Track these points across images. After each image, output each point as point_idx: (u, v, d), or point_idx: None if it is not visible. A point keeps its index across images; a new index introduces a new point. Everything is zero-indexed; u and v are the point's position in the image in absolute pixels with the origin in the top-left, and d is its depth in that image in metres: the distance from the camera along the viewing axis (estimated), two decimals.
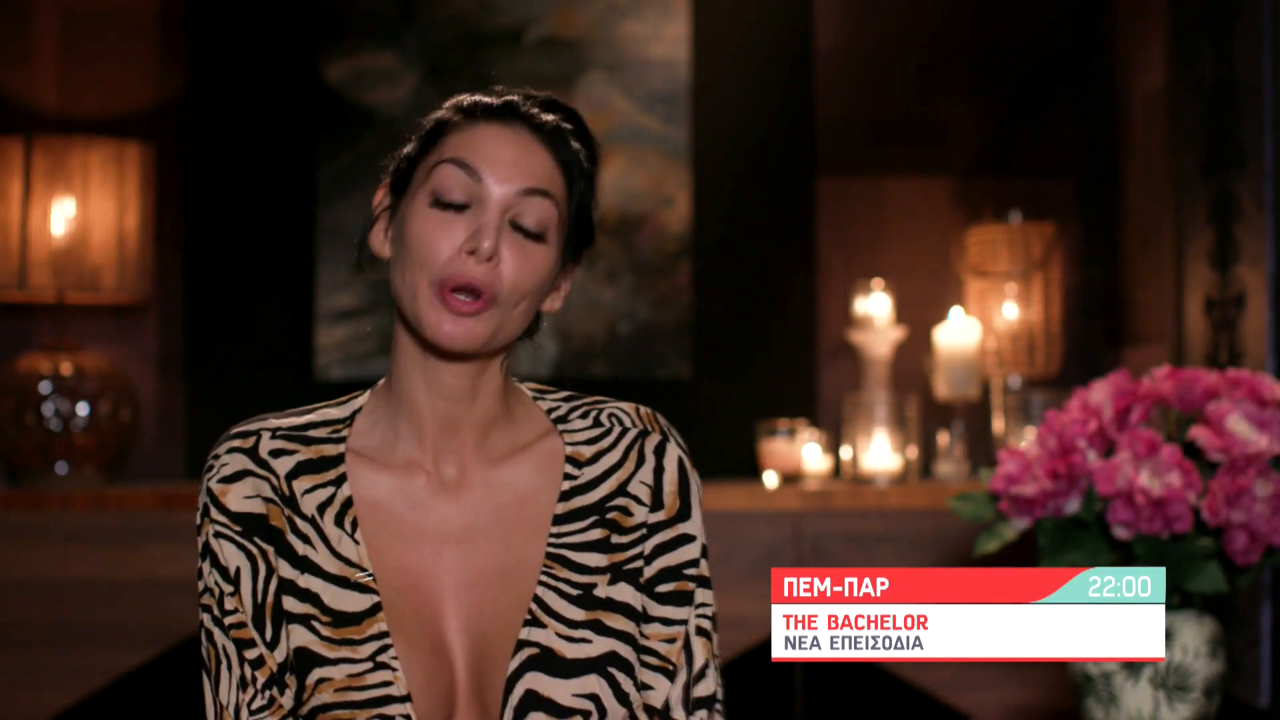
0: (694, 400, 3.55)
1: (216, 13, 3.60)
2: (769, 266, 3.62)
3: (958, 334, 3.38)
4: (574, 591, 1.43)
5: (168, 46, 3.60)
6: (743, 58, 3.64)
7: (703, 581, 1.48)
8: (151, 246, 3.35)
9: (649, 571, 1.46)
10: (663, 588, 1.46)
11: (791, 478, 3.33)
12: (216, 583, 1.40)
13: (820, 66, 3.66)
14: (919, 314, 3.54)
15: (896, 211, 3.67)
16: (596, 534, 1.46)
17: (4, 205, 3.22)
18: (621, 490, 1.47)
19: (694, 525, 1.49)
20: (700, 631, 1.47)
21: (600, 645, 1.42)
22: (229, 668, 1.39)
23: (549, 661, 1.40)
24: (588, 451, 1.48)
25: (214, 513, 1.41)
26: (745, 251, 3.61)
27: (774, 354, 3.60)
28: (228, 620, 1.40)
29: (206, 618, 1.41)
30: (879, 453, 3.29)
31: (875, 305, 3.41)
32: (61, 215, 3.23)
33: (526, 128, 1.43)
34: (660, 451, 1.50)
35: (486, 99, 1.44)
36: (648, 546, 1.47)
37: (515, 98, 1.44)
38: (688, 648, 1.46)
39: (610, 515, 1.46)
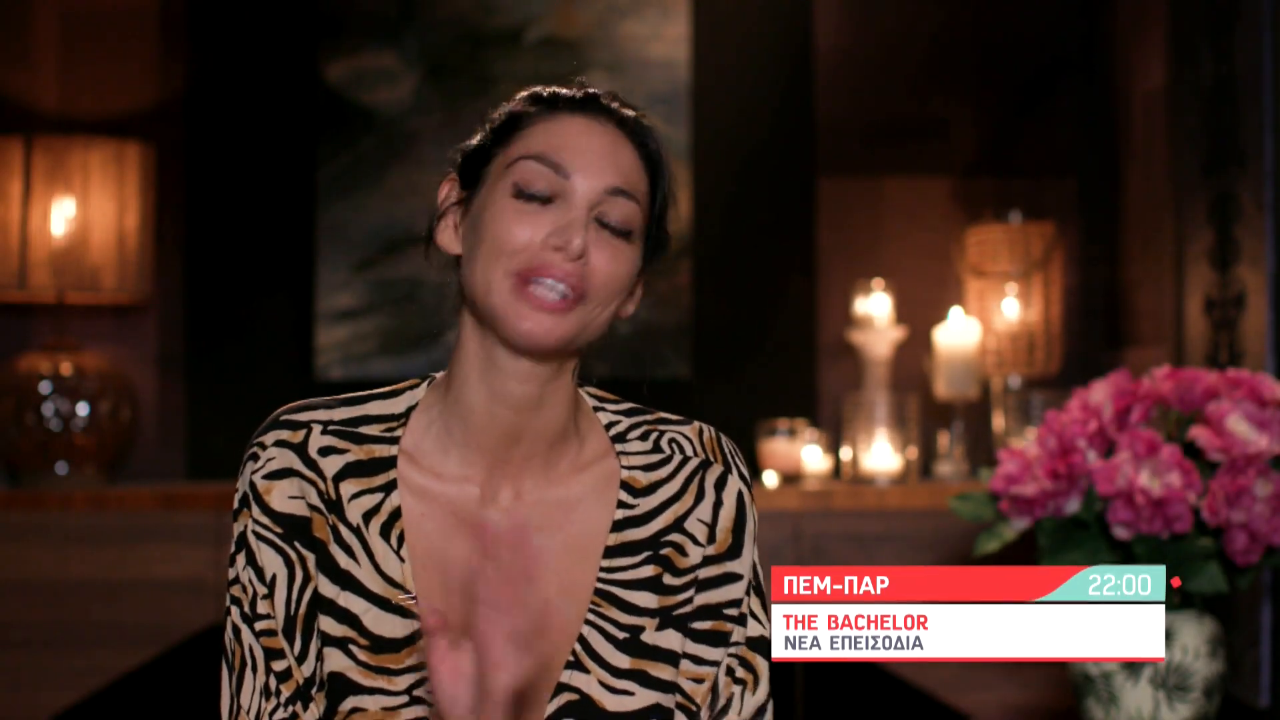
0: (694, 400, 3.55)
1: (216, 13, 3.59)
2: (769, 266, 3.62)
3: (958, 334, 3.37)
4: (620, 635, 1.36)
5: (168, 46, 3.60)
6: (743, 58, 3.64)
7: (741, 620, 1.40)
8: (151, 246, 3.35)
9: (689, 608, 1.38)
10: (699, 625, 1.38)
11: (791, 478, 3.33)
12: (251, 580, 1.34)
13: (820, 67, 3.66)
14: (919, 314, 3.54)
15: (896, 211, 3.67)
16: (649, 571, 1.37)
17: (4, 205, 3.22)
18: (678, 526, 1.39)
19: (743, 564, 1.40)
20: (729, 670, 1.39)
21: (643, 698, 1.35)
22: (253, 670, 1.34)
23: (587, 712, 1.34)
24: (644, 479, 1.40)
25: (255, 510, 1.34)
26: (745, 251, 3.61)
27: (774, 354, 3.60)
28: (258, 625, 1.34)
29: (235, 611, 1.35)
30: (879, 453, 3.29)
31: (875, 305, 3.41)
32: (61, 215, 3.23)
33: (611, 121, 1.36)
34: (721, 485, 1.41)
35: (566, 91, 1.37)
36: (693, 582, 1.39)
37: (596, 90, 1.37)
38: (715, 690, 1.38)
39: (664, 552, 1.38)
